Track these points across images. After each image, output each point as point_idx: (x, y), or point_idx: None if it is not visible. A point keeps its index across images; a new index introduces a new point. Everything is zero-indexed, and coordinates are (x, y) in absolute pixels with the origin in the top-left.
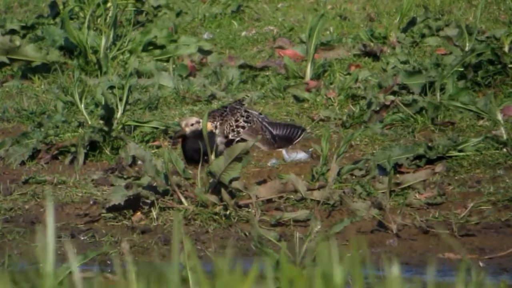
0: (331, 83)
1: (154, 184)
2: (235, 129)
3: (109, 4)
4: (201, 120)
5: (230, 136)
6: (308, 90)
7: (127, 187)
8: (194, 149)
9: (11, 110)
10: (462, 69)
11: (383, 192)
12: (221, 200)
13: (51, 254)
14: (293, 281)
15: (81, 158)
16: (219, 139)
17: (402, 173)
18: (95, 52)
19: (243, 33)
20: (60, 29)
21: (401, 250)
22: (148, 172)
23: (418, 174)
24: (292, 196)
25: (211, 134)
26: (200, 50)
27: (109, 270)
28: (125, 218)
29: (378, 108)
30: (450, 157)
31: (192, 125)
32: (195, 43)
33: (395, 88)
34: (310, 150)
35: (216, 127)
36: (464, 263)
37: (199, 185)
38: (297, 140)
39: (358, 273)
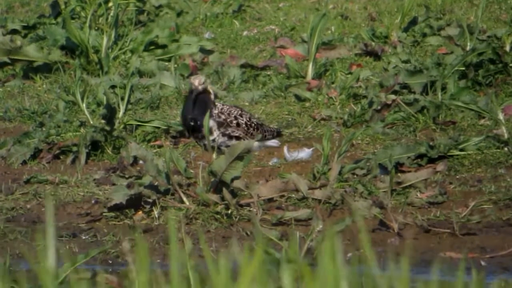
0: (332, 83)
1: (156, 184)
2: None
3: (110, 4)
4: (204, 80)
5: (223, 117)
6: (310, 90)
7: (129, 186)
8: (188, 112)
9: (12, 109)
10: (463, 69)
11: (384, 191)
12: (223, 199)
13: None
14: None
15: (82, 157)
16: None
17: (403, 172)
18: (97, 51)
19: (245, 33)
20: (61, 28)
21: (402, 249)
22: (150, 171)
23: (420, 173)
24: (293, 195)
25: (207, 96)
26: (202, 49)
27: (110, 270)
28: (126, 218)
29: (379, 107)
30: (452, 156)
31: (203, 83)
32: (197, 43)
33: (397, 88)
34: (313, 148)
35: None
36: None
37: (201, 184)
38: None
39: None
